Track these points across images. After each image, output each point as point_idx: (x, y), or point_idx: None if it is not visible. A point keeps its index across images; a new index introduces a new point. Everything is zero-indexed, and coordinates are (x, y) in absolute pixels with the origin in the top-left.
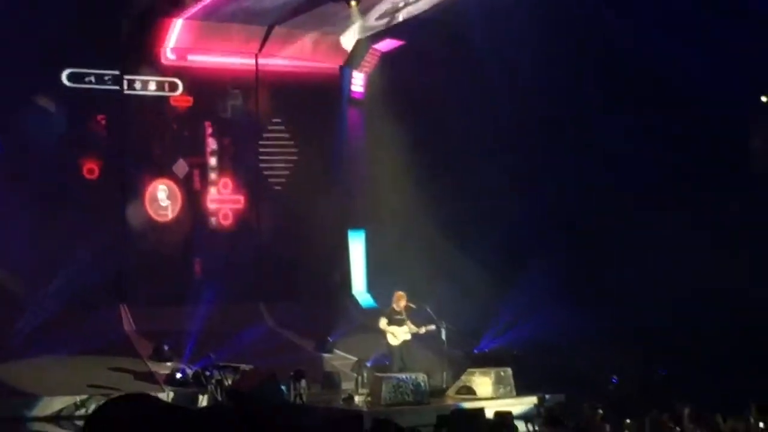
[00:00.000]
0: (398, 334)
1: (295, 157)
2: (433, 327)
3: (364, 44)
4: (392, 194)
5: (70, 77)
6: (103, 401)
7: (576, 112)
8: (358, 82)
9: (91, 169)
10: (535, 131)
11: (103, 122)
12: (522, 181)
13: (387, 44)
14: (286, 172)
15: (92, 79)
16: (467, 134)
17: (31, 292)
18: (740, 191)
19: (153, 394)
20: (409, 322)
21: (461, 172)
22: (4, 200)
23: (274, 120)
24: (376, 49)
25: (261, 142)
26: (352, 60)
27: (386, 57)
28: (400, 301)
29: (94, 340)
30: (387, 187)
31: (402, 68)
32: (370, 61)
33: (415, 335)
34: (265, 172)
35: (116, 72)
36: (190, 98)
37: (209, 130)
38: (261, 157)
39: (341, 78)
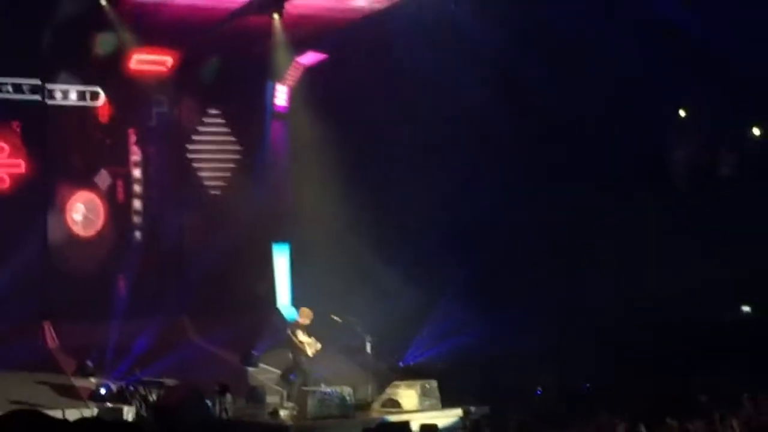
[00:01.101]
0: (312, 345)
1: (219, 169)
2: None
3: (287, 58)
4: (317, 207)
5: None
6: None
7: (496, 121)
8: (281, 96)
9: (8, 180)
10: (460, 142)
11: (18, 130)
12: (446, 194)
13: (310, 57)
14: (211, 183)
15: (9, 88)
16: (391, 147)
17: None
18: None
19: (78, 410)
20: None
21: (386, 185)
22: None
23: (199, 129)
24: (299, 63)
25: (187, 153)
26: (275, 73)
27: (310, 70)
28: (306, 318)
29: (17, 356)
30: (312, 200)
31: (325, 81)
32: (293, 74)
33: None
34: (191, 183)
35: (36, 81)
36: (113, 107)
37: (133, 139)
38: (186, 167)
39: (264, 91)
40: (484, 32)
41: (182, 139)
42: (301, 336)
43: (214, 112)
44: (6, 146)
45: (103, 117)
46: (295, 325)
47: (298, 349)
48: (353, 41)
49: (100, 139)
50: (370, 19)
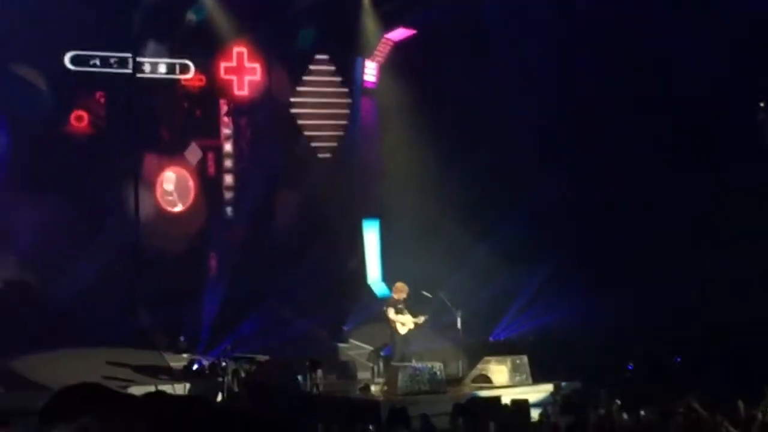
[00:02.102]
0: (405, 324)
1: (313, 141)
2: (428, 316)
3: (376, 34)
4: (407, 183)
5: (73, 60)
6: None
7: (591, 101)
8: (370, 72)
9: (98, 155)
10: (552, 117)
11: (102, 101)
12: (539, 167)
13: (399, 33)
14: (304, 156)
15: (97, 62)
16: (481, 121)
17: (44, 285)
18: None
19: (170, 386)
20: (407, 313)
21: (475, 159)
22: (12, 191)
23: (291, 100)
24: (388, 39)
25: (278, 124)
26: (364, 49)
27: (399, 46)
28: (402, 293)
29: (109, 333)
30: (401, 176)
31: (415, 57)
32: (382, 50)
33: (415, 325)
34: (284, 156)
35: (123, 54)
36: (203, 76)
37: (224, 110)
38: (278, 139)
39: (354, 67)
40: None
41: (275, 110)
42: (393, 314)
43: (306, 83)
44: (86, 116)
45: (193, 89)
46: (390, 300)
47: (391, 326)
48: (443, 18)
49: (190, 112)
50: None
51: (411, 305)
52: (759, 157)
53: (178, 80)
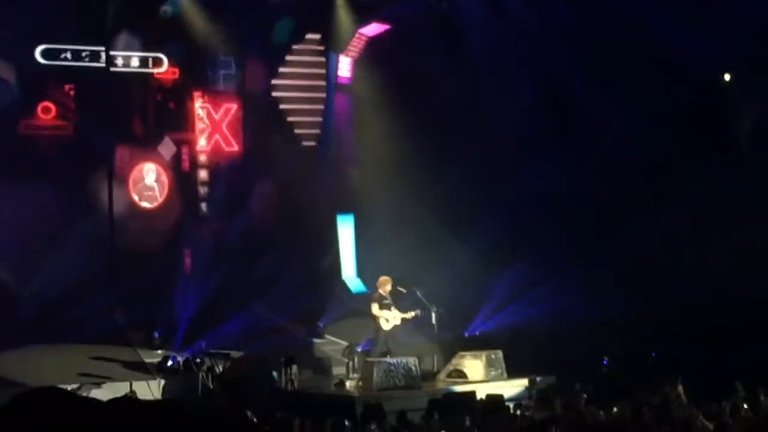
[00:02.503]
0: (390, 319)
1: (283, 139)
2: (419, 312)
3: (350, 29)
4: (381, 178)
5: (44, 53)
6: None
7: (566, 94)
8: (344, 67)
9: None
10: (525, 115)
11: (72, 93)
12: (512, 164)
13: (373, 29)
14: (276, 154)
15: (68, 55)
16: (455, 118)
17: (18, 282)
18: (734, 174)
19: (145, 382)
20: (395, 308)
21: (450, 155)
22: None
23: (266, 93)
24: (362, 34)
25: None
26: (338, 45)
27: (374, 41)
28: (386, 286)
29: (84, 329)
30: (376, 171)
31: (390, 52)
32: (356, 45)
33: (403, 320)
34: (259, 150)
35: (95, 48)
36: (177, 69)
37: (198, 104)
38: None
39: (327, 63)
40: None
41: (249, 103)
42: (377, 309)
43: (280, 76)
44: (53, 108)
45: (167, 82)
46: (375, 295)
47: (375, 321)
48: (417, 12)
49: (164, 106)
50: None
51: (405, 299)
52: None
53: (152, 73)
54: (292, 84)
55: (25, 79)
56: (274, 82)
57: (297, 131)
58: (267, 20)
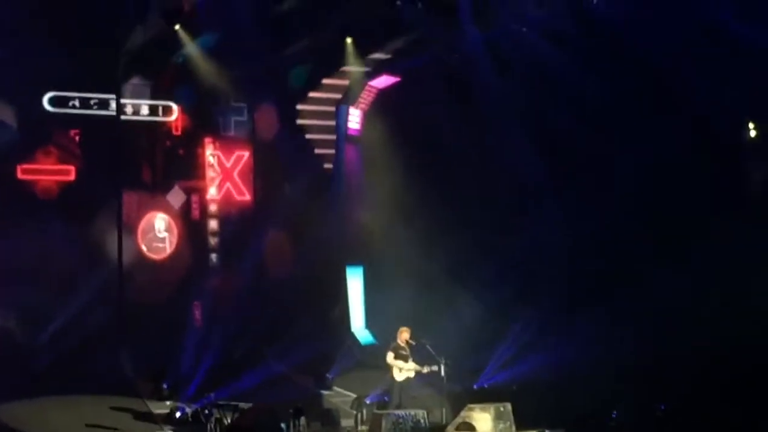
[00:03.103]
0: (404, 370)
1: (291, 191)
2: (435, 368)
3: (360, 81)
4: (390, 229)
5: (52, 101)
6: None
7: (571, 144)
8: (354, 119)
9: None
10: (534, 168)
11: (77, 138)
12: (520, 217)
13: (383, 81)
14: (284, 207)
15: (76, 103)
16: (464, 170)
17: (28, 333)
18: (748, 226)
19: None
20: (411, 359)
21: (459, 208)
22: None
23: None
24: (372, 86)
25: (265, 165)
26: (348, 97)
27: (383, 93)
28: (404, 335)
29: (93, 380)
30: (385, 224)
31: (399, 104)
32: (366, 98)
33: (417, 373)
34: (270, 200)
35: (104, 96)
36: (187, 117)
37: (210, 152)
38: (265, 182)
39: (338, 115)
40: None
41: (261, 150)
42: (391, 358)
43: (293, 126)
44: (55, 151)
45: (177, 130)
46: (392, 345)
47: (389, 371)
48: (426, 65)
49: (173, 152)
50: (443, 43)
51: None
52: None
53: (162, 123)
54: (302, 133)
55: (29, 123)
56: (284, 130)
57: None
58: (280, 67)
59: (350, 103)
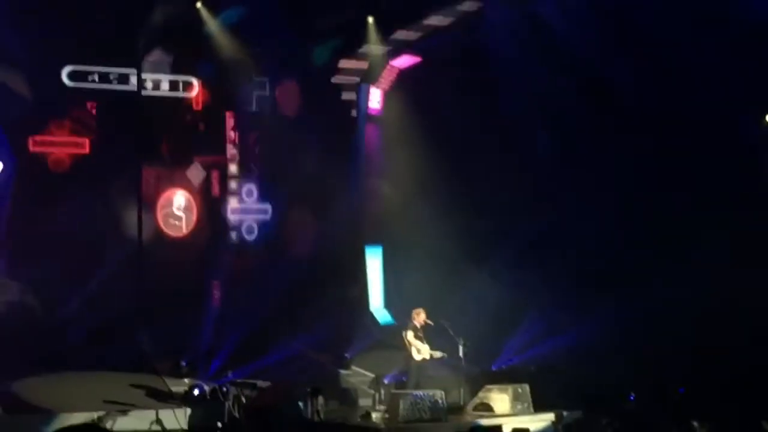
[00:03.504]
0: (422, 351)
1: (316, 164)
2: (445, 355)
3: (381, 60)
4: (409, 210)
5: (71, 75)
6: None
7: (592, 130)
8: (375, 98)
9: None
10: (554, 149)
11: (93, 111)
12: (542, 197)
13: (404, 60)
14: (308, 178)
15: (96, 77)
16: (485, 151)
17: (46, 309)
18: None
19: (171, 410)
20: (425, 341)
21: (479, 188)
22: (21, 214)
23: (300, 118)
24: (393, 66)
25: (288, 143)
26: (369, 76)
27: (404, 73)
28: (420, 317)
29: (111, 356)
30: (404, 203)
31: (420, 84)
32: (387, 77)
33: (431, 357)
34: (290, 176)
35: (124, 70)
36: (208, 92)
37: (230, 127)
38: (286, 159)
39: (358, 94)
40: (578, 39)
41: (283, 128)
42: (411, 336)
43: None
44: (69, 124)
45: (197, 104)
46: (410, 324)
47: (407, 350)
48: (448, 45)
49: (193, 127)
50: (464, 23)
51: (429, 335)
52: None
53: (183, 99)
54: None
55: (45, 96)
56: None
57: (304, 177)
58: (304, 43)
59: (371, 82)
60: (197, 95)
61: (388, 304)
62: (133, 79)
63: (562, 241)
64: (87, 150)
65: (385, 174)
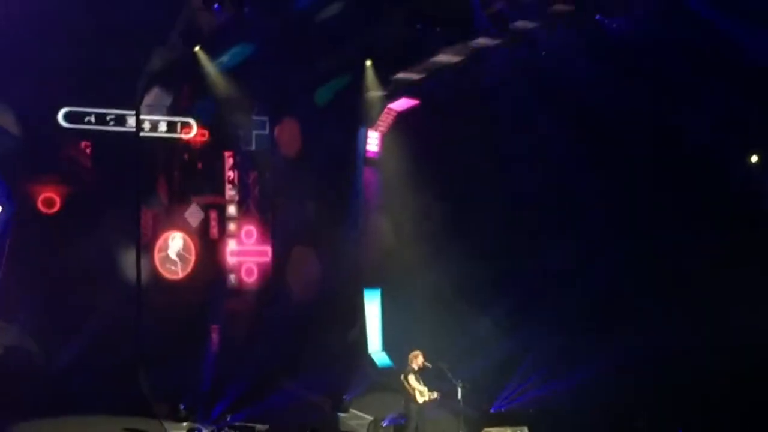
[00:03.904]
0: (424, 393)
1: (310, 212)
2: (438, 395)
3: (379, 104)
4: (408, 253)
5: (66, 117)
6: None
7: (590, 172)
8: (373, 142)
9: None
10: (551, 193)
11: (88, 151)
12: (537, 240)
13: (402, 104)
14: (302, 228)
15: (92, 119)
16: (482, 193)
17: (45, 353)
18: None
19: None
20: (423, 384)
21: (476, 231)
22: (20, 257)
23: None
24: (391, 109)
25: (286, 184)
26: (367, 119)
27: (402, 115)
28: (418, 359)
29: (109, 401)
30: (402, 246)
31: (418, 126)
32: (385, 120)
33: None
34: (289, 218)
35: (121, 111)
36: (206, 131)
37: (229, 167)
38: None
39: (356, 137)
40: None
41: (283, 167)
42: (414, 380)
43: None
44: (65, 164)
45: (195, 142)
46: (408, 369)
47: (408, 394)
48: (446, 88)
49: (191, 166)
50: (461, 66)
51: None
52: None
53: (180, 140)
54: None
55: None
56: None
57: (304, 219)
58: (302, 84)
59: (369, 125)
60: (195, 135)
61: (387, 346)
62: (130, 121)
63: (563, 285)
64: (83, 190)
65: (384, 216)
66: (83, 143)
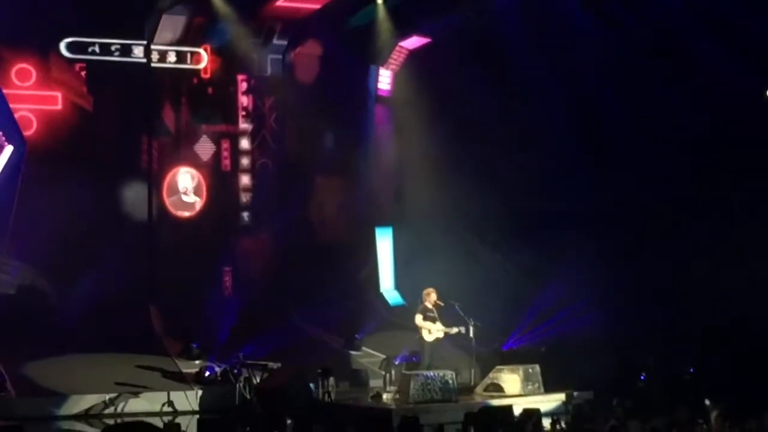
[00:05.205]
0: (433, 331)
1: (322, 150)
2: (462, 329)
3: (390, 42)
4: (419, 191)
5: (70, 47)
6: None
7: (607, 110)
8: (385, 80)
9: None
10: (565, 129)
11: (83, 73)
12: (552, 178)
13: (414, 42)
14: (321, 160)
15: (96, 49)
16: (494, 131)
17: (59, 291)
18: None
19: (183, 392)
20: (438, 320)
21: (489, 169)
22: (31, 197)
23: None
24: (402, 47)
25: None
26: (378, 57)
27: (414, 54)
28: (431, 297)
29: (122, 339)
30: (414, 184)
31: (429, 65)
32: (396, 58)
33: (445, 334)
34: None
35: (126, 41)
36: (218, 58)
37: (242, 92)
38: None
39: (368, 75)
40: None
41: (300, 95)
42: (420, 320)
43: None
44: (35, 73)
45: (206, 72)
46: (420, 307)
47: (418, 332)
48: (458, 26)
49: (200, 92)
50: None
51: (440, 315)
52: None
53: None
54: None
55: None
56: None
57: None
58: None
59: (380, 64)
60: (208, 65)
61: (399, 285)
62: (136, 51)
63: (578, 221)
64: (59, 106)
65: (395, 155)
66: (78, 65)
